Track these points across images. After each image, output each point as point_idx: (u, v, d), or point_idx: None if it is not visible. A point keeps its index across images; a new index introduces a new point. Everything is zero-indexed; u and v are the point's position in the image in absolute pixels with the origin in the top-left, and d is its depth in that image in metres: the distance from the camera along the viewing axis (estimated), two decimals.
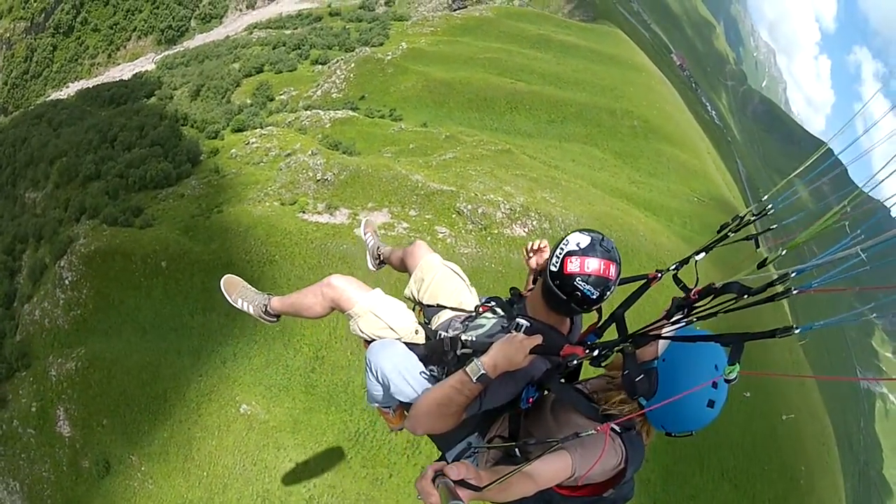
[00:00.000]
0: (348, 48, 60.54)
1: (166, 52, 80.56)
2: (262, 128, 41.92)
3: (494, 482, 2.88)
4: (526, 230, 29.20)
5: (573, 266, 3.49)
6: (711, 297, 3.11)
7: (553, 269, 3.58)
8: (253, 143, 37.85)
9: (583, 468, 3.29)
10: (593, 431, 3.12)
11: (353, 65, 51.30)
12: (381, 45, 60.93)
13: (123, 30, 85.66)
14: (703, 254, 4.11)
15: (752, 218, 4.18)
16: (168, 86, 58.00)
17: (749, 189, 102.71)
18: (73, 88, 76.17)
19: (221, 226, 28.71)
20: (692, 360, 3.19)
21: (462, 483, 2.69)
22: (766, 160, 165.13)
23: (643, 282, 4.14)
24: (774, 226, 4.39)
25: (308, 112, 44.68)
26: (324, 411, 23.05)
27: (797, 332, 2.57)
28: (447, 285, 4.88)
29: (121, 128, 42.94)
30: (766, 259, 3.17)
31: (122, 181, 35.06)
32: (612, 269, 3.53)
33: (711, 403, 3.13)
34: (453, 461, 3.94)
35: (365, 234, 6.42)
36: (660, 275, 4.16)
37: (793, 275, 2.67)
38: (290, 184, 31.36)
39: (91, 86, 69.97)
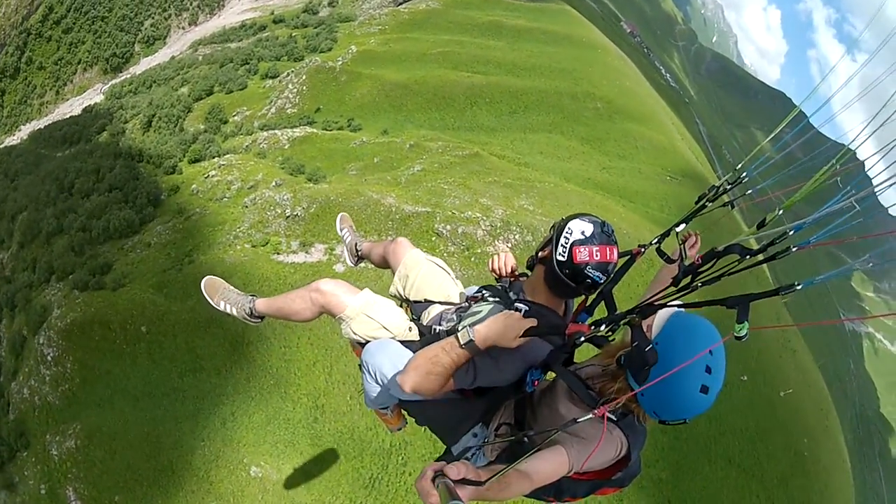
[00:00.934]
0: (297, 57, 59.13)
1: (113, 81, 78.59)
2: (219, 156, 40.87)
3: (493, 478, 2.86)
4: (509, 245, 28.51)
5: (582, 255, 3.72)
6: (714, 260, 3.18)
7: (561, 258, 3.78)
8: (213, 175, 36.77)
9: (580, 463, 3.32)
10: (591, 416, 3.10)
11: (304, 77, 49.96)
12: (330, 49, 59.87)
13: (68, 64, 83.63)
14: (683, 225, 4.55)
15: (728, 187, 4.56)
16: (119, 119, 56.31)
17: (712, 148, 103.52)
18: (25, 131, 74.40)
19: (195, 278, 27.17)
20: (684, 343, 3.15)
21: (462, 482, 2.68)
22: (726, 116, 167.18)
23: (628, 258, 4.41)
24: (749, 191, 4.84)
25: (265, 133, 43.51)
26: (333, 462, 22.54)
27: (799, 288, 2.66)
28: (433, 280, 4.96)
29: (77, 173, 41.95)
30: (764, 220, 3.42)
31: (86, 235, 34.01)
32: (615, 253, 3.80)
33: (705, 389, 3.11)
34: (459, 454, 3.98)
35: (341, 231, 6.49)
36: (643, 249, 4.56)
37: (791, 233, 2.84)
38: (258, 223, 30.43)
39: (42, 126, 68.60)
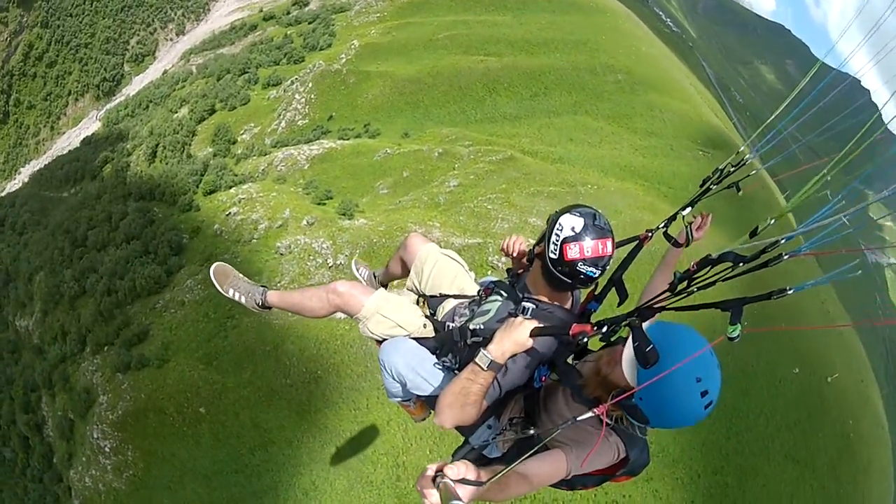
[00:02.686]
0: (297, 59, 56.27)
1: (108, 106, 76.33)
2: (236, 185, 38.28)
3: (492, 479, 2.93)
4: None
5: (573, 252, 3.75)
6: (709, 267, 3.24)
7: (553, 256, 3.84)
8: (234, 213, 34.29)
9: (577, 467, 3.44)
10: (589, 415, 3.17)
11: (310, 84, 47.16)
12: (330, 46, 57.11)
13: (58, 97, 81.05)
14: (689, 208, 4.96)
15: (732, 169, 4.91)
16: (120, 153, 53.92)
17: (722, 91, 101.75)
18: (25, 173, 72.85)
19: (245, 347, 25.82)
20: (679, 353, 3.09)
21: (462, 482, 2.72)
22: (728, 54, 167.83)
23: (636, 243, 4.70)
24: (753, 172, 5.33)
25: (280, 154, 40.74)
26: None
27: (790, 292, 2.78)
28: (447, 273, 5.06)
29: (88, 223, 39.82)
30: (756, 228, 3.74)
31: (112, 298, 31.96)
32: (609, 246, 3.81)
33: (705, 394, 3.10)
34: (479, 446, 4.08)
35: (359, 272, 6.37)
36: (650, 234, 4.77)
37: (782, 241, 3.00)
38: (300, 276, 28.15)
39: (43, 166, 66.87)
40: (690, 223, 4.91)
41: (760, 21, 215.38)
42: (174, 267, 32.66)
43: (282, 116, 46.62)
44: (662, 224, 4.95)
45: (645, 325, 3.23)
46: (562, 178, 34.05)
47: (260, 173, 39.89)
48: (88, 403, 27.15)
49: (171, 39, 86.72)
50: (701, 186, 5.04)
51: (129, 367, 26.86)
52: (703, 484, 25.41)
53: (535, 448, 3.27)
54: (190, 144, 49.18)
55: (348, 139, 42.06)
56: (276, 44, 62.39)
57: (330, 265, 28.20)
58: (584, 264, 3.78)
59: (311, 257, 28.77)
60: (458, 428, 4.18)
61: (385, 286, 6.04)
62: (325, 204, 34.46)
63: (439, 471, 2.70)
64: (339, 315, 5.06)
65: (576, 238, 3.75)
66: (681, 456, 25.50)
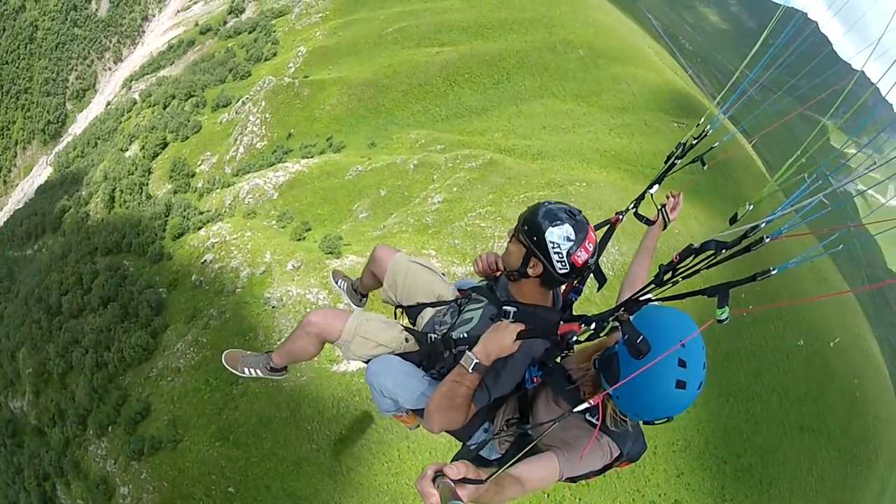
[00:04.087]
0: (242, 74, 53.85)
1: (57, 149, 73.27)
2: (204, 226, 36.46)
3: (490, 477, 2.93)
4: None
5: (581, 257, 3.79)
6: (692, 256, 3.25)
7: (564, 270, 3.82)
8: (210, 261, 32.54)
9: (569, 469, 3.50)
10: (579, 411, 3.17)
11: (262, 103, 44.85)
12: (276, 55, 54.80)
13: (6, 149, 78.26)
14: (656, 186, 5.12)
15: (694, 141, 5.07)
16: (77, 202, 51.36)
17: (670, 41, 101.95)
18: None
19: (259, 417, 24.44)
20: (653, 339, 3.09)
21: (462, 482, 2.74)
22: (671, 2, 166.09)
23: (607, 227, 4.96)
24: (716, 144, 5.57)
25: (246, 184, 38.66)
26: None
27: (774, 273, 2.82)
28: (420, 281, 5.09)
29: (59, 287, 38.40)
30: (736, 215, 3.85)
31: (103, 372, 30.55)
32: (593, 231, 3.87)
33: (681, 384, 3.08)
34: (476, 448, 3.95)
35: (337, 283, 6.46)
36: (621, 216, 5.06)
37: (762, 225, 3.02)
38: None
39: (1, 224, 65.01)
40: (664, 205, 5.02)
41: None
42: (159, 328, 31.10)
43: (239, 142, 44.45)
44: (632, 205, 5.12)
45: (657, 293, 3.34)
46: (548, 178, 32.89)
47: (227, 208, 37.89)
48: (108, 494, 26.21)
49: (110, 69, 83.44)
50: (665, 163, 5.08)
51: (142, 452, 25.49)
52: (730, 469, 26.50)
53: (527, 449, 3.31)
54: (147, 184, 46.79)
55: (312, 156, 40.27)
56: (219, 60, 59.77)
57: None
58: (591, 259, 3.85)
59: (308, 309, 27.08)
60: (454, 434, 4.40)
61: (364, 297, 6.21)
62: (304, 238, 32.83)
63: (439, 471, 2.70)
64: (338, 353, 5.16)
65: (576, 244, 3.77)
66: (706, 447, 26.45)
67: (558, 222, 3.77)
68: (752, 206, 3.67)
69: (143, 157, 49.63)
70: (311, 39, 53.03)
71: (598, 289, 4.66)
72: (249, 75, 53.47)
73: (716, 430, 26.97)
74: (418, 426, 5.33)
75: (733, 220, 3.68)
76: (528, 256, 3.93)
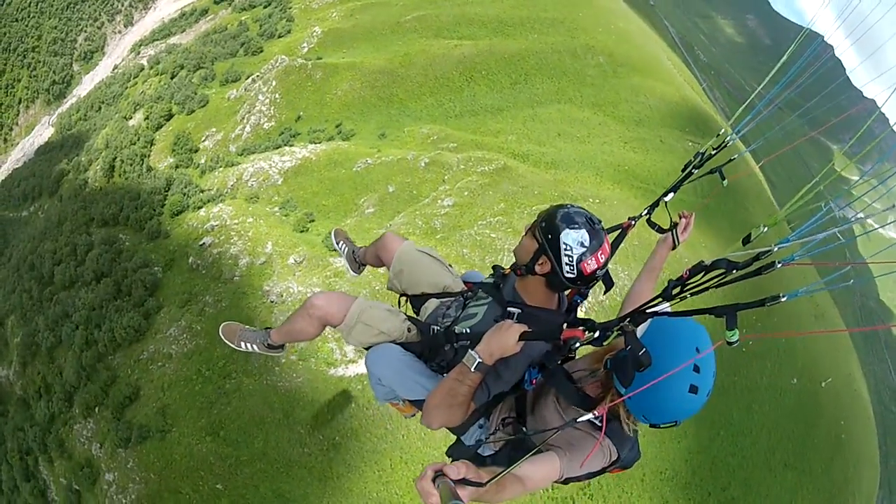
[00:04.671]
0: (254, 50, 52.76)
1: (60, 110, 72.38)
2: (204, 206, 35.70)
3: (492, 480, 2.93)
4: (582, 309, 25.17)
5: (591, 266, 3.77)
6: (702, 273, 3.28)
7: (571, 275, 3.79)
8: (209, 244, 31.76)
9: (571, 471, 3.49)
10: (588, 417, 3.29)
11: (273, 83, 43.79)
12: (290, 33, 53.63)
13: (9, 108, 76.73)
14: (671, 194, 5.07)
15: (713, 152, 5.02)
16: (77, 168, 50.64)
17: (686, 51, 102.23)
18: None
19: (252, 415, 23.76)
20: (671, 342, 3.21)
21: (462, 482, 2.73)
22: (686, 7, 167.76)
23: (619, 231, 4.92)
24: (735, 156, 5.38)
25: (250, 166, 37.84)
26: None
27: (784, 299, 2.81)
28: (427, 271, 5.09)
29: (52, 257, 37.83)
30: (749, 235, 3.85)
31: (93, 351, 29.84)
32: (609, 243, 3.85)
33: (694, 389, 3.15)
34: (471, 445, 4.27)
35: (338, 244, 6.54)
36: (633, 222, 5.00)
37: (775, 249, 3.10)
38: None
39: None
40: (675, 224, 4.91)
41: None
42: (152, 309, 30.33)
43: (246, 120, 43.47)
44: (645, 211, 5.10)
45: (663, 307, 3.33)
46: (560, 190, 32.16)
47: (229, 189, 37.08)
48: (93, 477, 25.74)
49: (120, 32, 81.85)
50: (683, 171, 5.03)
51: (129, 440, 24.88)
52: (714, 501, 26.66)
53: (533, 451, 3.32)
54: (149, 156, 45.88)
55: (320, 142, 39.32)
56: (231, 33, 58.53)
57: None
58: (601, 270, 3.82)
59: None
60: (449, 428, 4.25)
61: (362, 266, 6.17)
62: (307, 230, 31.98)
63: (439, 471, 2.68)
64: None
65: (589, 252, 3.73)
66: (692, 478, 26.40)
67: (576, 226, 3.75)
68: (766, 229, 3.64)
69: (147, 127, 48.75)
70: (327, 20, 51.93)
71: (605, 292, 4.59)
72: (261, 51, 52.47)
73: (704, 461, 27.08)
74: (413, 415, 5.39)
75: (746, 241, 3.71)
76: (539, 254, 3.92)
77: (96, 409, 27.46)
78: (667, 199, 5.04)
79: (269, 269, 29.00)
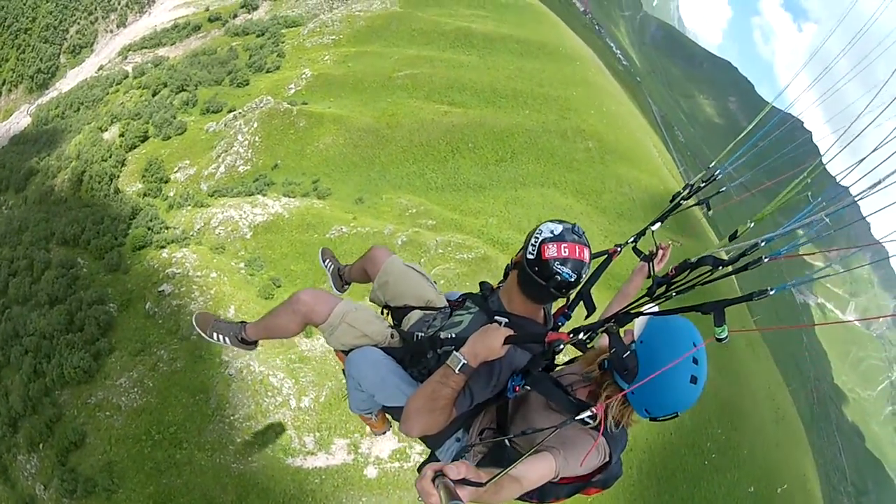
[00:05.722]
0: (240, 82, 51.74)
1: (39, 101, 71.09)
2: (167, 245, 34.57)
3: (492, 480, 2.91)
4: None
5: (550, 251, 3.78)
6: (688, 271, 3.57)
7: (530, 256, 3.87)
8: (168, 292, 30.70)
9: (566, 470, 3.46)
10: (585, 416, 3.35)
11: (255, 124, 42.84)
12: (279, 69, 52.89)
13: None
14: (658, 224, 5.29)
15: (702, 185, 5.13)
16: (45, 172, 49.51)
17: (665, 130, 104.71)
18: None
19: (202, 493, 22.71)
20: (670, 337, 3.30)
21: (462, 482, 2.71)
22: (671, 85, 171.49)
23: (605, 257, 5.05)
24: (723, 188, 5.42)
25: (220, 212, 36.78)
26: None
27: (772, 293, 2.89)
28: (412, 285, 5.18)
29: (9, 266, 37.20)
30: (736, 231, 3.92)
31: (40, 383, 28.79)
32: (586, 253, 3.88)
33: (694, 379, 3.25)
34: (448, 459, 4.28)
35: (324, 263, 6.51)
36: (619, 248, 5.21)
37: (762, 244, 3.25)
38: (257, 413, 24.73)
39: None
40: (652, 255, 5.11)
41: (707, 55, 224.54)
42: (103, 350, 29.20)
43: (221, 160, 42.44)
44: (632, 239, 5.32)
45: (648, 307, 3.48)
46: None
47: (195, 232, 35.99)
48: None
49: (111, 31, 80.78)
50: (671, 201, 5.23)
51: (74, 492, 23.97)
52: None
53: (529, 453, 3.35)
54: (118, 177, 44.76)
55: (294, 197, 38.40)
56: (220, 57, 57.59)
57: (293, 407, 24.99)
58: (561, 265, 3.77)
59: (269, 393, 25.41)
60: (425, 441, 4.40)
61: (347, 284, 6.13)
62: (272, 297, 30.91)
63: (439, 471, 2.65)
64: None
65: (554, 239, 3.79)
66: None
67: (558, 223, 3.89)
68: (752, 224, 3.71)
69: (120, 145, 47.80)
70: (319, 62, 51.17)
71: (587, 316, 4.59)
72: (248, 84, 51.63)
73: None
74: (384, 433, 5.71)
75: (733, 238, 3.77)
76: (520, 250, 4.06)
77: (41, 446, 26.58)
78: (654, 228, 5.24)
79: (240, 362, 27.49)
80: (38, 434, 26.96)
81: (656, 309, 3.45)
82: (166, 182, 43.44)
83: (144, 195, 41.82)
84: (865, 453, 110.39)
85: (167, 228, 36.76)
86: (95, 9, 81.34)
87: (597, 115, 47.28)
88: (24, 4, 78.68)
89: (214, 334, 5.38)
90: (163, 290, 31.14)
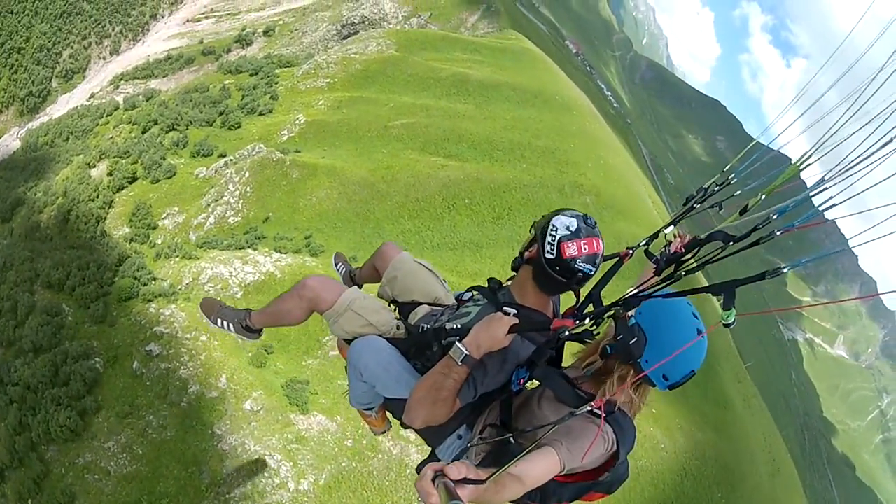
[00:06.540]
0: (232, 124, 51.00)
1: (30, 125, 70.73)
2: (155, 300, 33.40)
3: (491, 478, 2.88)
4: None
5: (571, 250, 3.77)
6: (697, 248, 3.51)
7: (550, 256, 3.82)
8: (155, 353, 29.70)
9: (571, 462, 3.37)
10: (587, 408, 3.22)
11: (247, 174, 41.96)
12: (271, 111, 52.29)
13: None
14: (672, 227, 5.00)
15: (716, 189, 4.73)
16: (31, 206, 48.57)
17: (655, 172, 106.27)
18: None
19: None
20: (663, 301, 3.35)
21: (462, 482, 2.69)
22: (660, 125, 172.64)
23: (616, 260, 4.83)
24: (738, 192, 4.79)
25: (209, 268, 35.86)
26: None
27: (786, 270, 2.78)
28: (421, 281, 5.08)
29: None
30: (747, 205, 3.63)
31: (26, 437, 27.84)
32: (601, 244, 3.89)
33: (699, 332, 3.31)
34: (448, 457, 4.21)
35: (336, 266, 6.65)
36: (631, 251, 4.96)
37: (774, 217, 3.00)
38: (254, 493, 23.76)
39: None
40: (662, 254, 4.58)
41: (697, 95, 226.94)
42: (90, 409, 28.12)
43: (211, 209, 41.58)
44: (644, 241, 5.05)
45: (657, 288, 3.33)
46: None
47: (183, 287, 34.93)
48: None
49: (104, 58, 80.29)
50: (684, 204, 4.98)
51: None
52: None
53: (529, 448, 3.27)
54: (105, 219, 44.08)
55: (286, 253, 37.62)
56: (212, 96, 56.85)
57: (292, 490, 24.07)
58: (581, 261, 3.77)
59: (267, 475, 24.48)
60: (425, 438, 4.37)
61: (360, 286, 5.84)
62: (264, 365, 30.11)
63: (439, 471, 2.63)
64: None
65: (572, 236, 3.76)
66: None
67: (568, 214, 3.88)
68: (763, 197, 3.49)
69: (108, 186, 47.11)
70: (312, 107, 50.60)
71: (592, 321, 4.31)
72: (239, 126, 50.90)
73: None
74: (383, 432, 5.63)
75: (744, 212, 3.61)
76: (532, 242, 4.02)
77: (29, 502, 25.55)
78: (667, 231, 5.06)
79: (222, 406, 27.02)
80: (27, 490, 26.12)
81: (665, 291, 3.41)
82: (154, 228, 42.65)
83: (131, 241, 40.99)
84: (857, 483, 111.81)
85: (154, 280, 35.78)
86: (90, 34, 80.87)
87: (594, 169, 47.09)
88: (19, 23, 77.96)
89: (219, 320, 5.35)
90: (150, 350, 30.00)
